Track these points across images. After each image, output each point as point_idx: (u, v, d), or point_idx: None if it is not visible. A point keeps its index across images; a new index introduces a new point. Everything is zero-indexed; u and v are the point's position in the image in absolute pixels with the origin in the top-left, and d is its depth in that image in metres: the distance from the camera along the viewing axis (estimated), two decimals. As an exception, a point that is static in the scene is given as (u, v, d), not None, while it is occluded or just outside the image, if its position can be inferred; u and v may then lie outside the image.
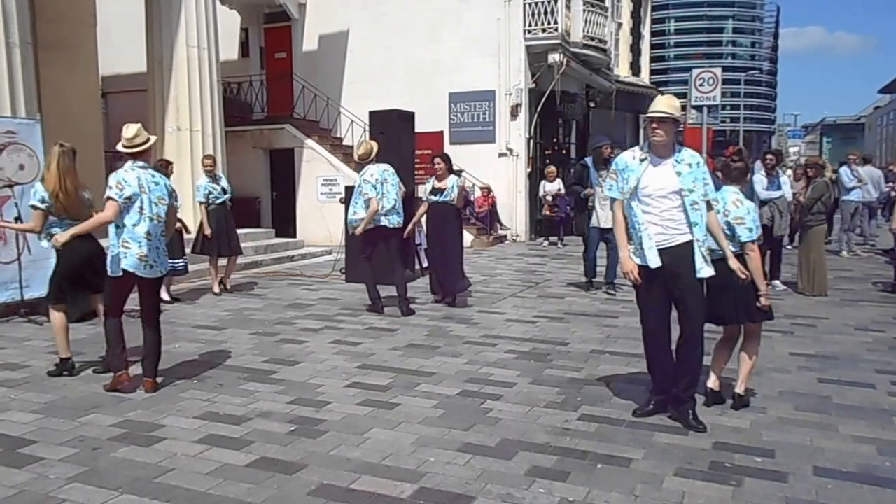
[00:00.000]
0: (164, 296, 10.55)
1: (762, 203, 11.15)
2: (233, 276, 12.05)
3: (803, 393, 6.27)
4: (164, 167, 10.58)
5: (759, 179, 11.39)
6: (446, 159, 10.55)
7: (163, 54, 14.64)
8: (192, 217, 11.94)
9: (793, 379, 6.68)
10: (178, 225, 10.27)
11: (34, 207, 6.74)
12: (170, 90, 14.66)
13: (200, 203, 11.45)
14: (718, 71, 18.78)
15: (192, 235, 11.46)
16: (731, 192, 5.81)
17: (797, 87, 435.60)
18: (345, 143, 20.46)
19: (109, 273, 6.22)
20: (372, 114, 12.86)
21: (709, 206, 5.43)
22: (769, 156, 12.03)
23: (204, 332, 8.76)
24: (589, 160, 11.52)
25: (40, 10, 14.58)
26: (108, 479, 4.52)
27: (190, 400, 6.11)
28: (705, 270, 5.33)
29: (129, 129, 6.32)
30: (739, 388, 5.88)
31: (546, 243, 18.97)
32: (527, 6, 19.73)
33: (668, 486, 4.43)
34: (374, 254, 9.84)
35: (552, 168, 19.33)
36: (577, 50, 20.86)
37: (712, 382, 5.95)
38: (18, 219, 9.38)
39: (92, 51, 17.15)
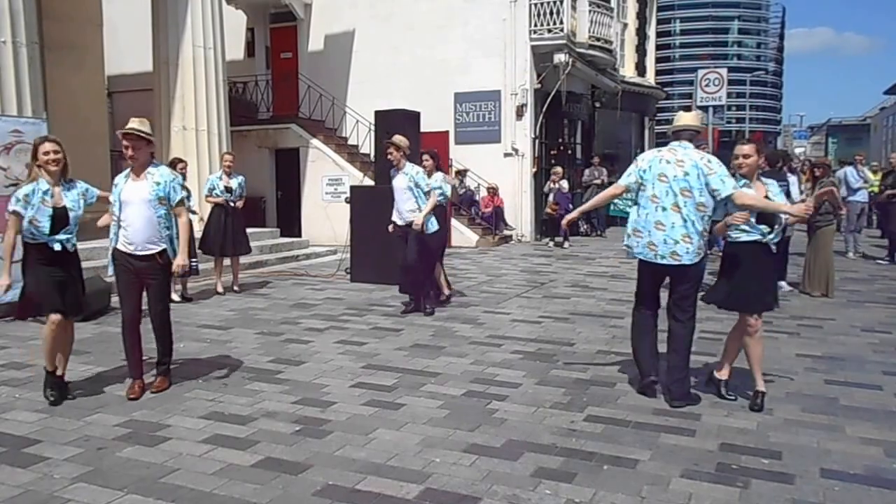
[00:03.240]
0: (174, 296, 10.52)
1: None
2: (243, 275, 11.98)
3: (810, 394, 6.25)
4: (173, 166, 10.59)
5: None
6: (434, 156, 10.36)
7: (169, 54, 14.67)
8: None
9: (799, 380, 6.66)
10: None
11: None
12: (176, 90, 14.69)
13: (206, 196, 11.54)
14: (724, 71, 18.77)
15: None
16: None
17: (804, 88, 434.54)
18: (350, 142, 20.47)
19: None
20: (377, 113, 12.86)
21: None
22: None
23: (209, 332, 8.75)
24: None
25: (47, 9, 14.61)
26: (112, 479, 4.52)
27: (195, 400, 6.11)
28: None
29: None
30: (759, 386, 5.97)
31: (552, 244, 18.94)
32: (532, 6, 19.70)
33: (675, 488, 4.41)
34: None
35: (558, 168, 19.34)
36: (582, 50, 20.81)
37: (723, 373, 6.20)
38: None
39: (98, 50, 17.18)
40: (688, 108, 6.38)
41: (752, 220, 5.78)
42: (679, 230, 5.78)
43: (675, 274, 5.95)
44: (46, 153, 6.05)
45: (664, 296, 6.16)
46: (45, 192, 5.99)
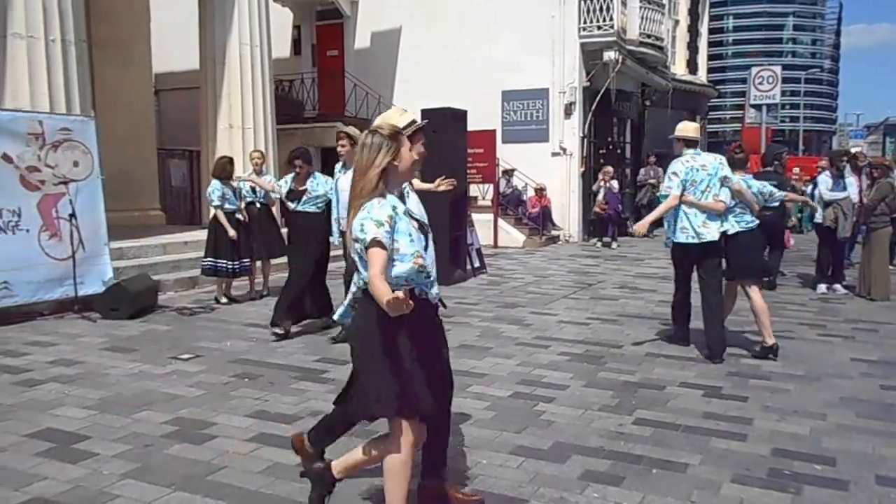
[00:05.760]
0: (222, 298, 10.50)
1: (826, 204, 10.98)
2: (274, 277, 11.42)
3: (865, 399, 6.10)
4: (226, 165, 10.53)
5: (824, 180, 11.22)
6: (305, 156, 9.17)
7: (216, 52, 14.74)
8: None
9: (854, 385, 6.51)
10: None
11: None
12: (222, 88, 14.76)
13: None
14: (778, 69, 18.45)
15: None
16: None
17: (863, 86, 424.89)
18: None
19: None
20: (424, 112, 12.81)
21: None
22: (844, 158, 11.86)
23: (255, 331, 8.77)
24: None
25: (95, 8, 14.80)
26: (160, 476, 4.53)
27: (241, 398, 6.12)
28: None
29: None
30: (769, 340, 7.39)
31: (599, 244, 18.79)
32: (582, 3, 19.55)
33: (726, 493, 4.32)
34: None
35: (609, 168, 19.17)
36: (632, 48, 20.63)
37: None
38: (73, 216, 9.48)
39: (145, 48, 17.36)
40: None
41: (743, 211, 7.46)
42: (701, 217, 7.34)
43: (704, 251, 7.39)
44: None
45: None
46: (404, 212, 3.64)
